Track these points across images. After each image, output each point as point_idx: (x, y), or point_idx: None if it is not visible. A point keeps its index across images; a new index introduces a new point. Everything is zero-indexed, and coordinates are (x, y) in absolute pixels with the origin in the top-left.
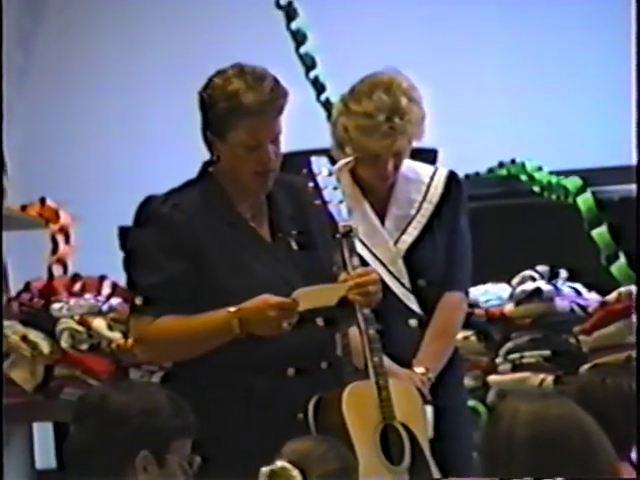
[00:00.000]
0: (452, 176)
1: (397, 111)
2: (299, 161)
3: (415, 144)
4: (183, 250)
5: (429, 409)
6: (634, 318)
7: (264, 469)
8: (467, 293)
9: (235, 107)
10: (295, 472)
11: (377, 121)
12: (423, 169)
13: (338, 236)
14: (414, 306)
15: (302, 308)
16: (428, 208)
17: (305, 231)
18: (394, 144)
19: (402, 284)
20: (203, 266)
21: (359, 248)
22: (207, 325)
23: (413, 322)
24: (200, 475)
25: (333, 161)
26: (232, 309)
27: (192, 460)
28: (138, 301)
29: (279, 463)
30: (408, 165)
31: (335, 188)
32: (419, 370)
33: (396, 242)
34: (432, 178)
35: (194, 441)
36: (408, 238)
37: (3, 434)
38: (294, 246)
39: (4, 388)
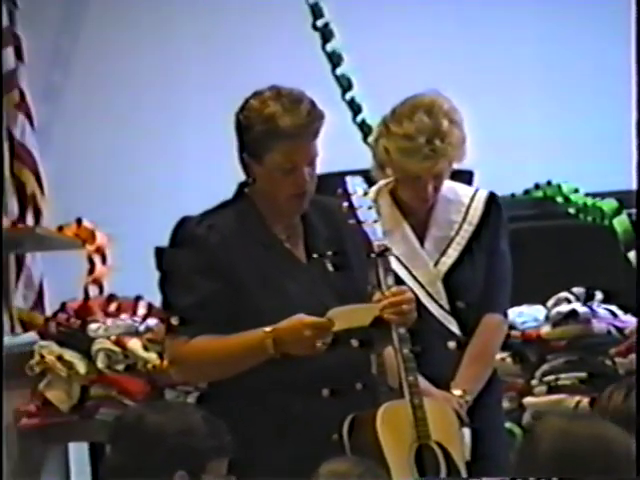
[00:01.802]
0: (492, 198)
1: (438, 133)
2: (334, 182)
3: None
4: (218, 271)
5: (467, 432)
6: None
7: None
8: (506, 315)
9: (272, 130)
10: None
11: (418, 143)
12: (463, 190)
13: (373, 255)
14: (453, 328)
15: (337, 328)
16: (468, 229)
17: (340, 252)
18: (435, 166)
19: (441, 306)
20: (238, 287)
21: (398, 270)
22: (242, 345)
23: (452, 344)
24: None
25: (369, 181)
26: (267, 329)
27: None
28: (174, 322)
29: None
30: (448, 186)
31: (370, 208)
32: (457, 392)
33: (436, 264)
34: (472, 199)
35: (230, 461)
36: (448, 260)
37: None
38: (329, 267)
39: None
